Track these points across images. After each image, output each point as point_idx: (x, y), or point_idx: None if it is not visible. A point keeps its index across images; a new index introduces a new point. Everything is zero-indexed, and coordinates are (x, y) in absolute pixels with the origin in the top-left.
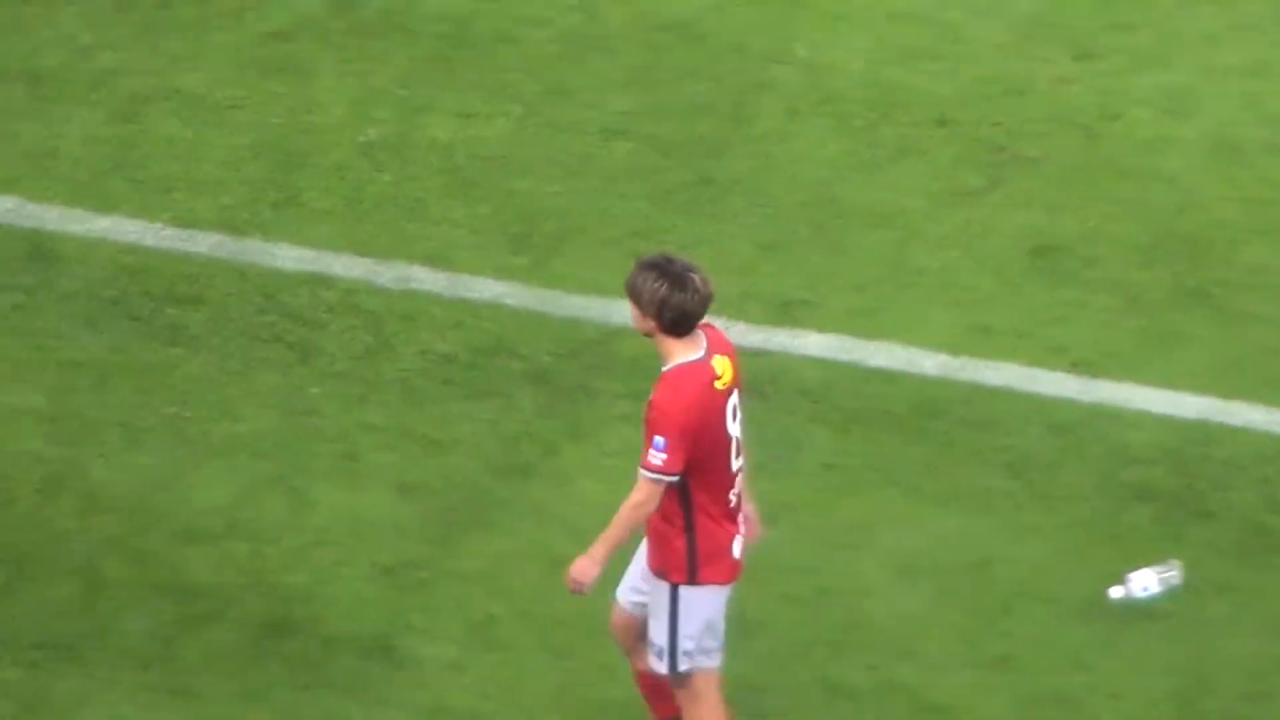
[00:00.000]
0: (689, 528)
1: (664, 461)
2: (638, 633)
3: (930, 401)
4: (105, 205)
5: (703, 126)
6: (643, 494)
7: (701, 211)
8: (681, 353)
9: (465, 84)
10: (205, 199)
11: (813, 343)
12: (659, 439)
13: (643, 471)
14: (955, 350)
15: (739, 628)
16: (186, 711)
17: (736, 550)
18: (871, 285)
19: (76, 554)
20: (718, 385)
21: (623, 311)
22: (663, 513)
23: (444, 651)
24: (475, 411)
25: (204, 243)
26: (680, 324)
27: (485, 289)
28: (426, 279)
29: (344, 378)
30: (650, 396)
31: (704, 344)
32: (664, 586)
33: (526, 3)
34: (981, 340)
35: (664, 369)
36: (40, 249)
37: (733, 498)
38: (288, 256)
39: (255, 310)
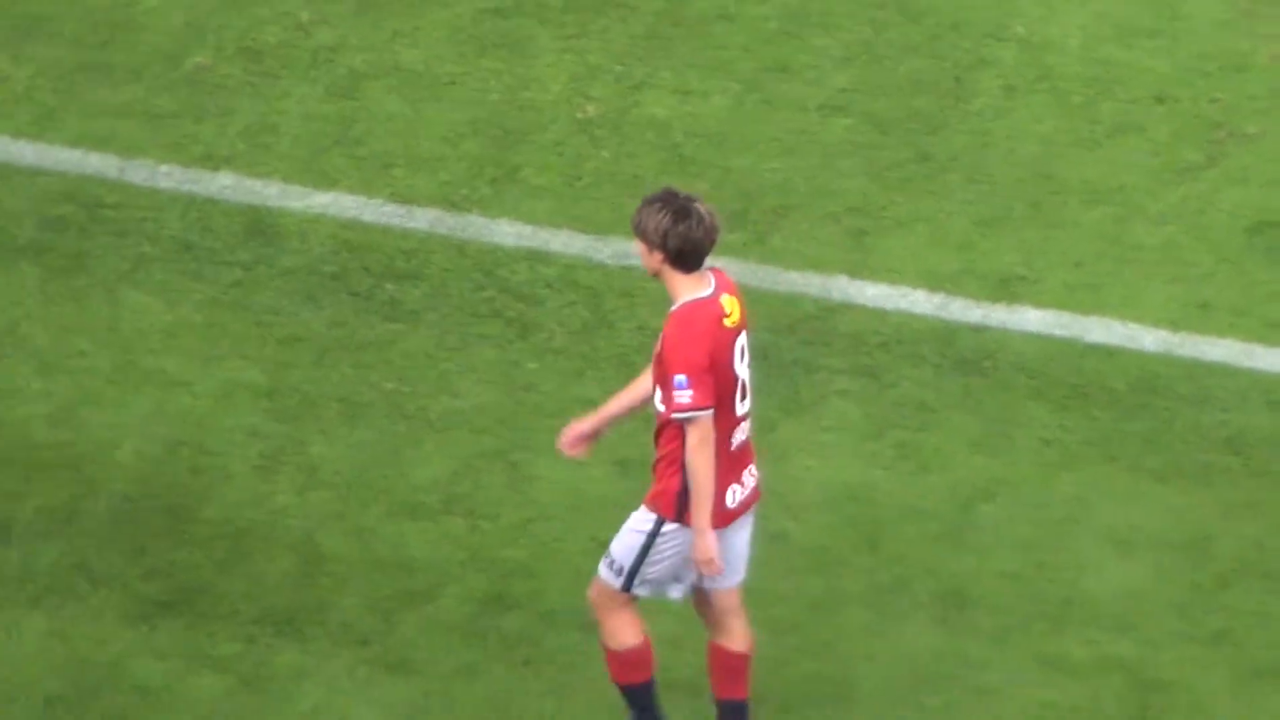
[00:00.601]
0: (678, 465)
1: (691, 397)
2: (714, 607)
3: (1149, 377)
4: (325, 181)
5: (921, 103)
6: (693, 437)
7: (919, 188)
8: (690, 289)
9: (683, 61)
10: (424, 175)
11: (1031, 318)
12: (679, 378)
13: (678, 417)
14: (1174, 326)
15: (957, 602)
16: (405, 687)
17: (731, 499)
18: (1090, 261)
19: (295, 529)
20: (726, 323)
21: (842, 288)
22: (665, 450)
23: (662, 626)
24: None
25: (423, 218)
26: (687, 256)
27: None
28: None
29: (562, 353)
30: (661, 335)
31: (712, 282)
32: (650, 516)
33: None
34: (1200, 316)
35: (672, 307)
36: (259, 225)
37: (736, 442)
38: (506, 232)
39: (474, 286)
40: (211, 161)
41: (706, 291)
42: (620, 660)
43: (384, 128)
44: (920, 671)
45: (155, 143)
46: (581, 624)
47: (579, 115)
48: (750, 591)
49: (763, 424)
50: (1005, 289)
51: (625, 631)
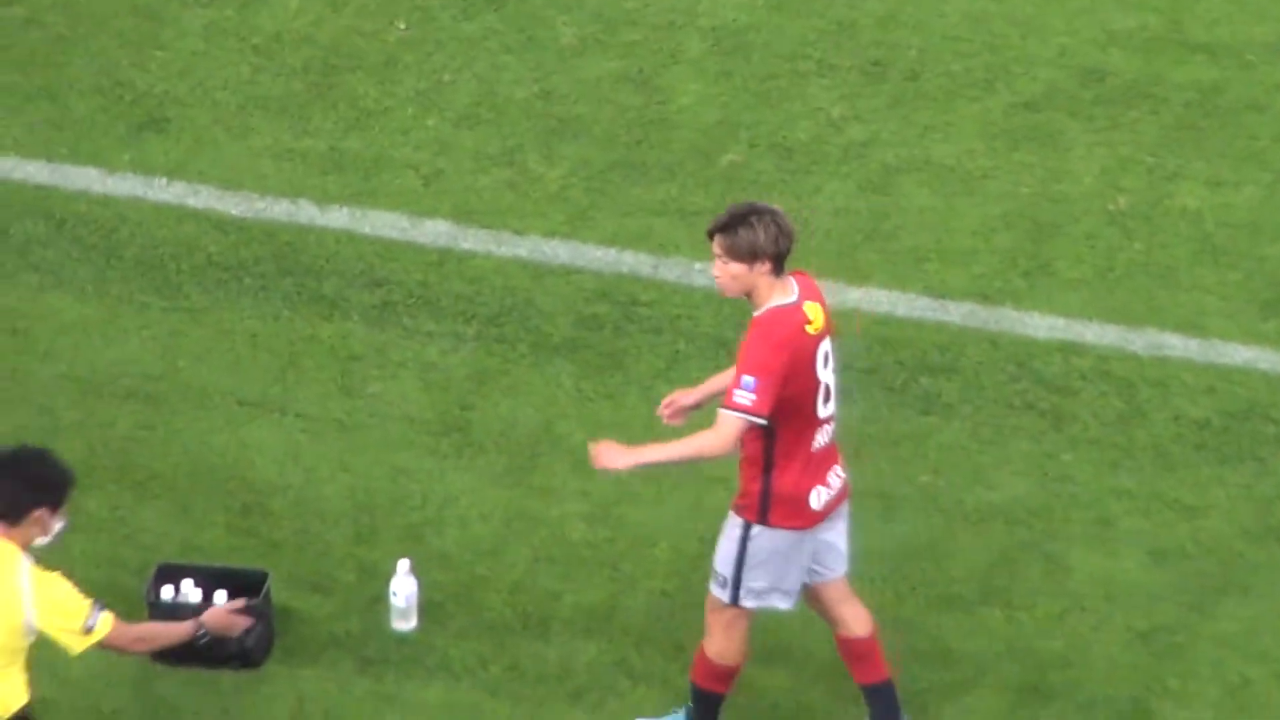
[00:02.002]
0: (767, 469)
1: (752, 402)
2: (824, 602)
3: None
4: (857, 276)
5: None
6: (722, 431)
7: None
8: (776, 296)
9: (1214, 151)
10: (957, 268)
11: None
12: (748, 379)
13: (725, 411)
14: None
15: None
16: None
17: (816, 501)
18: None
19: None
20: (809, 329)
21: None
22: (746, 453)
23: (1199, 715)
24: (1228, 476)
25: (956, 312)
26: (783, 258)
27: (1236, 354)
28: (1178, 345)
29: (1097, 444)
30: (743, 338)
31: (796, 289)
32: (738, 521)
33: (1275, 70)
34: None
35: (755, 313)
36: None
37: (818, 445)
38: (1039, 325)
39: (1008, 378)
40: None
41: (791, 299)
42: (712, 669)
43: (916, 222)
44: None
45: (689, 240)
46: (1119, 714)
47: (1111, 207)
48: None
49: None
50: None
51: (732, 650)
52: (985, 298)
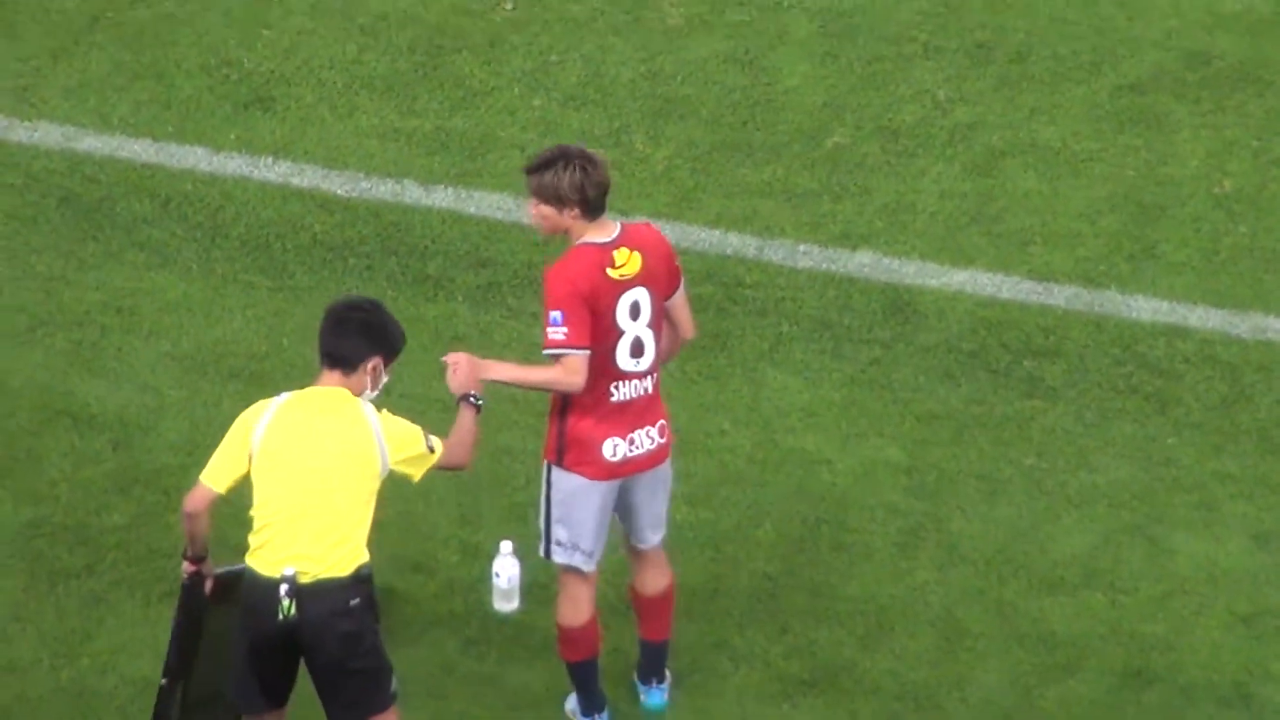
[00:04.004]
0: (563, 412)
1: (565, 335)
2: (632, 557)
3: None
4: (962, 259)
5: None
6: (552, 373)
7: None
8: (587, 236)
9: None
10: (1062, 252)
11: None
12: (554, 314)
13: (545, 352)
14: None
15: None
16: None
17: (610, 452)
18: None
19: (935, 605)
20: (612, 272)
21: None
22: (552, 394)
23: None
24: None
25: (1060, 295)
26: (597, 202)
27: None
28: None
29: (1200, 428)
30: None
31: (615, 232)
32: (545, 464)
33: None
34: None
35: None
36: (898, 303)
37: (621, 397)
38: (1144, 308)
39: (1112, 362)
40: (850, 240)
41: (603, 239)
42: (559, 635)
43: (1021, 205)
44: None
45: (794, 221)
46: (1221, 698)
47: (1216, 190)
48: None
49: None
50: None
51: (567, 612)
52: (1090, 281)
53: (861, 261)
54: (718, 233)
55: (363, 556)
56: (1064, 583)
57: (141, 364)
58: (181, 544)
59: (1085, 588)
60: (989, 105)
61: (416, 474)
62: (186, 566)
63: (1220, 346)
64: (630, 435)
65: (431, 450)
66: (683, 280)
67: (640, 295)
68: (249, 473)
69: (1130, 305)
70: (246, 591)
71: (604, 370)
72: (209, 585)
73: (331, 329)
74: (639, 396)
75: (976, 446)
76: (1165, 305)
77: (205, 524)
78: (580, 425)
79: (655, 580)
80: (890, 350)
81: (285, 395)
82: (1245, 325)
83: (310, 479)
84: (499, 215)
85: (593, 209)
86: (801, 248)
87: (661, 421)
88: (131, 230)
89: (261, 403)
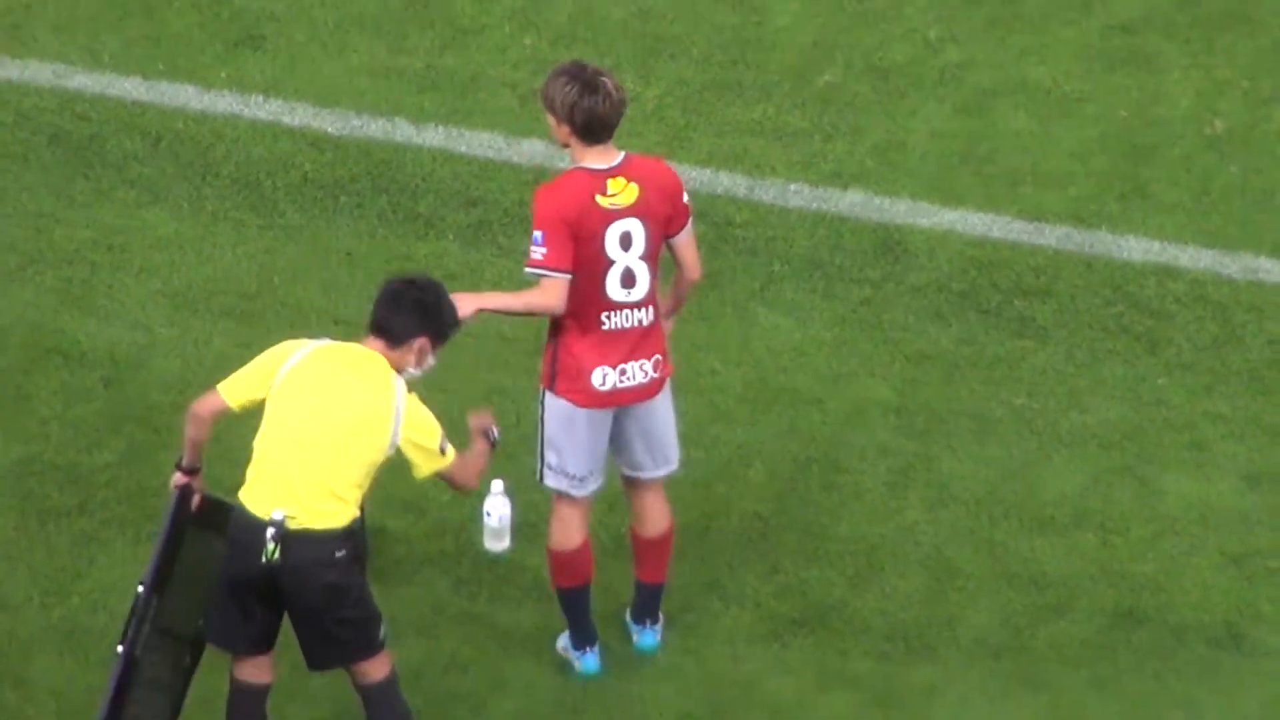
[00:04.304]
0: (554, 335)
1: (544, 255)
2: (631, 494)
3: None
4: (953, 199)
5: None
6: (532, 295)
7: None
8: (585, 160)
9: None
10: (1053, 191)
11: None
12: (535, 234)
13: (525, 270)
14: None
15: None
16: (1037, 701)
17: (600, 381)
18: None
19: (926, 545)
20: (602, 200)
21: None
22: (547, 322)
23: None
24: None
25: (1051, 235)
26: (590, 128)
27: None
28: (1273, 269)
29: (1191, 368)
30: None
31: (615, 161)
32: (540, 389)
33: None
34: None
35: None
36: (888, 242)
37: (613, 326)
38: (1135, 248)
39: (1103, 302)
40: (841, 179)
41: (599, 166)
42: (549, 559)
43: (1012, 144)
44: None
45: (785, 161)
46: (1211, 639)
47: (1207, 131)
48: None
49: None
50: None
51: (557, 536)
52: (1081, 221)
53: (852, 201)
54: (708, 172)
55: (354, 513)
56: (1054, 523)
57: (132, 301)
58: (177, 456)
59: (1076, 528)
60: (980, 45)
61: (422, 467)
62: (178, 478)
63: (1211, 286)
64: (621, 366)
65: (443, 452)
66: (690, 220)
67: (633, 226)
68: (263, 401)
69: (1121, 245)
70: (233, 528)
71: (593, 299)
72: (196, 500)
73: (386, 301)
74: (632, 327)
75: (967, 386)
76: (1156, 245)
77: (206, 433)
78: (571, 352)
79: (655, 523)
80: (881, 290)
81: (324, 340)
82: (1236, 265)
83: (319, 427)
84: (490, 154)
85: (586, 134)
86: (792, 187)
87: (658, 356)
88: (122, 168)
89: (299, 340)
